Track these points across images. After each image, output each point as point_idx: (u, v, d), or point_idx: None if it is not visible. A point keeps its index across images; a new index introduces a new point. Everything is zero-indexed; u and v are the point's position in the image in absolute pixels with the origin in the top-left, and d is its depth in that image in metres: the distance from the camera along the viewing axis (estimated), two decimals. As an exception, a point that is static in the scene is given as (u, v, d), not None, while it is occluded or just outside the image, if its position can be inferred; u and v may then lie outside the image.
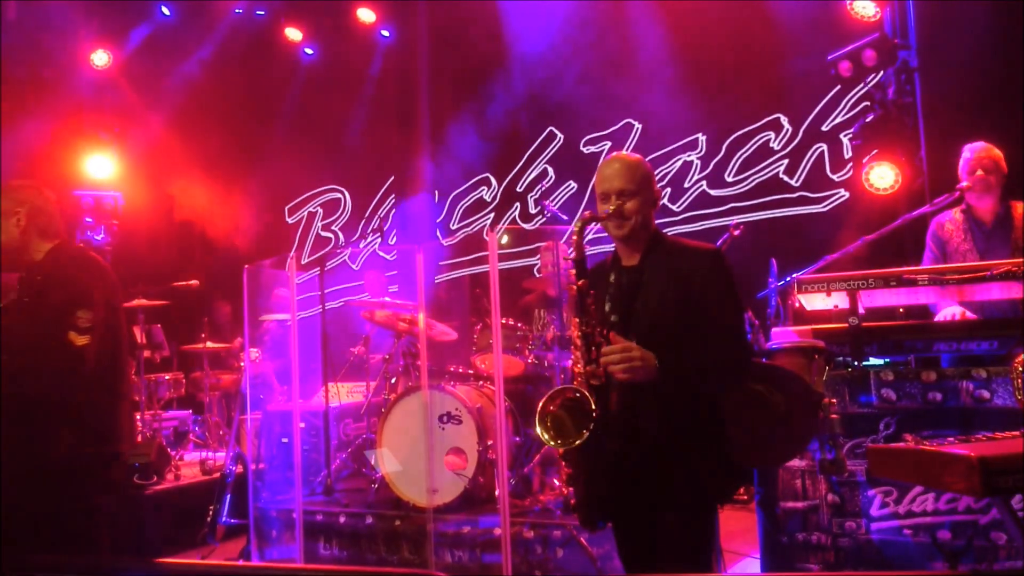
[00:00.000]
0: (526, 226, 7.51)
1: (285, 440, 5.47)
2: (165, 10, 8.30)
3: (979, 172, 3.90)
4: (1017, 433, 2.36)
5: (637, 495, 2.41)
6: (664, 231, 2.63)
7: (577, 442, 2.28)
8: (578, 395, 2.30)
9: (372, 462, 4.99)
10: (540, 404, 2.37)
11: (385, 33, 8.52)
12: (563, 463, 2.45)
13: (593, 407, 2.27)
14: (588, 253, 2.45)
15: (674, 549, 2.38)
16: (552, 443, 2.35)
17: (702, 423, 2.41)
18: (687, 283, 2.40)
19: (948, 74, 5.60)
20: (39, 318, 2.66)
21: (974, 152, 3.96)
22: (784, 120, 6.71)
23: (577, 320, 2.39)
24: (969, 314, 3.64)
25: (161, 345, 7.03)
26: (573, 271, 2.42)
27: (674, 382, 2.33)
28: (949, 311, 3.66)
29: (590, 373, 2.35)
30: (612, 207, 2.46)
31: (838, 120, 6.45)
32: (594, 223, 2.52)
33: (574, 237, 2.43)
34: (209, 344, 6.70)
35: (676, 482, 2.37)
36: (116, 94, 8.41)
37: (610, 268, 2.59)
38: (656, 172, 7.02)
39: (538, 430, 2.36)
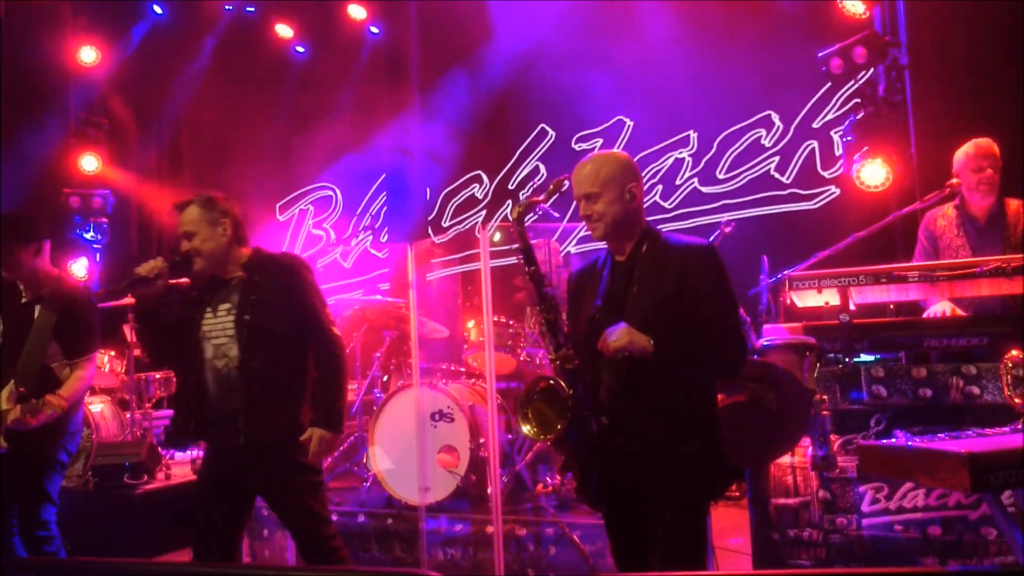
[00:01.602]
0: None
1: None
2: (157, 8, 8.23)
3: (988, 171, 3.86)
4: (1007, 429, 2.37)
5: (629, 492, 2.42)
6: (657, 227, 2.63)
7: (557, 430, 2.29)
8: (551, 383, 2.31)
9: (364, 460, 4.98)
10: (519, 399, 2.39)
11: (375, 30, 8.48)
12: (555, 451, 2.48)
13: (568, 393, 2.28)
14: (586, 249, 2.47)
15: (667, 546, 2.39)
16: (536, 435, 2.36)
17: (694, 420, 2.41)
18: (680, 278, 2.41)
19: (938, 71, 5.61)
20: (309, 319, 3.12)
21: (982, 149, 3.90)
22: (775, 117, 6.71)
23: (538, 308, 2.41)
24: (959, 311, 3.65)
25: (151, 344, 6.98)
26: (522, 260, 2.45)
27: (667, 370, 2.33)
28: (939, 307, 3.68)
29: (563, 357, 2.37)
30: (582, 212, 2.51)
31: (829, 117, 6.46)
32: (536, 209, 2.60)
33: (515, 226, 2.46)
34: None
35: (668, 479, 2.38)
36: (105, 91, 8.34)
37: (603, 264, 2.60)
38: (647, 169, 7.08)
39: (520, 425, 2.38)
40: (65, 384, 3.59)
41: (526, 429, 2.37)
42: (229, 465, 3.10)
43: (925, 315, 3.74)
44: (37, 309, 3.63)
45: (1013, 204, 3.93)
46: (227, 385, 3.05)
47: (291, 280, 3.14)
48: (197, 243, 3.09)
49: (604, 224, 2.49)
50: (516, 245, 2.49)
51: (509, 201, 7.86)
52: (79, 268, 7.73)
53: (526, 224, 2.55)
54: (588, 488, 2.45)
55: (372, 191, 8.79)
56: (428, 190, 8.43)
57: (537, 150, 7.78)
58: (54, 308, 3.61)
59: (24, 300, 3.69)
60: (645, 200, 7.63)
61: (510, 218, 2.48)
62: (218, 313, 3.12)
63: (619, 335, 2.30)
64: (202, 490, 3.19)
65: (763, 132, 6.77)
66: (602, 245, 2.66)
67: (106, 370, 6.46)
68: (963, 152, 3.96)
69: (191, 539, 3.20)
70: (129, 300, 6.36)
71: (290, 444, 3.05)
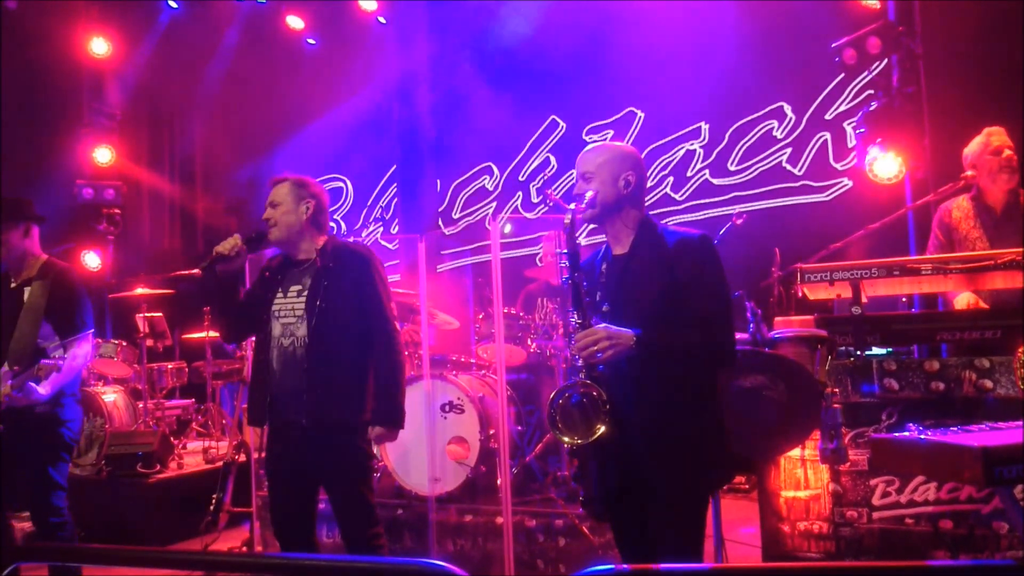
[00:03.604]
0: (528, 215, 7.50)
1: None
2: (172, 3, 8.23)
3: (1007, 152, 3.84)
4: (1020, 423, 2.35)
5: (629, 484, 2.41)
6: (662, 220, 2.63)
7: (594, 437, 2.27)
8: (594, 392, 2.28)
9: (374, 451, 5.00)
10: (550, 401, 2.36)
11: (382, 20, 8.44)
12: (573, 458, 2.45)
13: (605, 400, 2.26)
14: (596, 241, 2.46)
15: (666, 538, 2.38)
16: (567, 440, 2.33)
17: (691, 409, 2.40)
18: (673, 269, 2.40)
19: (953, 62, 5.56)
20: (374, 311, 3.18)
21: (997, 134, 3.88)
22: (788, 108, 6.68)
23: (573, 317, 2.39)
24: (981, 303, 3.61)
25: (164, 334, 7.04)
26: (566, 265, 2.43)
27: (652, 360, 2.33)
28: (962, 299, 3.64)
29: (592, 364, 2.35)
30: (576, 191, 2.54)
31: (842, 108, 6.42)
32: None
33: (564, 232, 2.45)
34: (211, 333, 6.70)
35: (666, 468, 2.37)
36: (118, 83, 8.38)
37: (601, 258, 2.60)
38: (659, 161, 7.06)
39: (551, 428, 2.36)
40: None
41: (557, 433, 2.34)
42: (291, 447, 3.12)
43: (954, 306, 3.70)
44: (27, 291, 3.63)
45: None
46: (291, 364, 3.12)
47: (363, 269, 3.22)
48: (278, 214, 3.20)
49: (594, 207, 2.50)
50: (566, 250, 2.46)
51: (520, 192, 7.86)
52: (92, 259, 7.78)
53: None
54: (599, 496, 2.44)
55: (383, 183, 8.80)
56: (438, 181, 8.43)
57: (548, 141, 7.77)
58: (43, 288, 3.61)
59: (13, 285, 3.70)
60: (656, 192, 7.57)
61: (564, 222, 2.47)
62: (288, 294, 3.19)
63: (586, 353, 2.30)
64: (272, 475, 3.22)
65: (775, 124, 6.73)
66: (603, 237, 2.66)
67: (115, 359, 6.51)
68: (978, 142, 3.92)
69: (273, 528, 3.23)
70: (142, 290, 6.42)
71: (350, 431, 3.10)
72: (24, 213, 3.74)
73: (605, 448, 2.33)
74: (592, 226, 2.58)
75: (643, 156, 2.72)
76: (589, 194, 2.48)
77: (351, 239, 8.50)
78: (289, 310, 3.16)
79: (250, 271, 4.78)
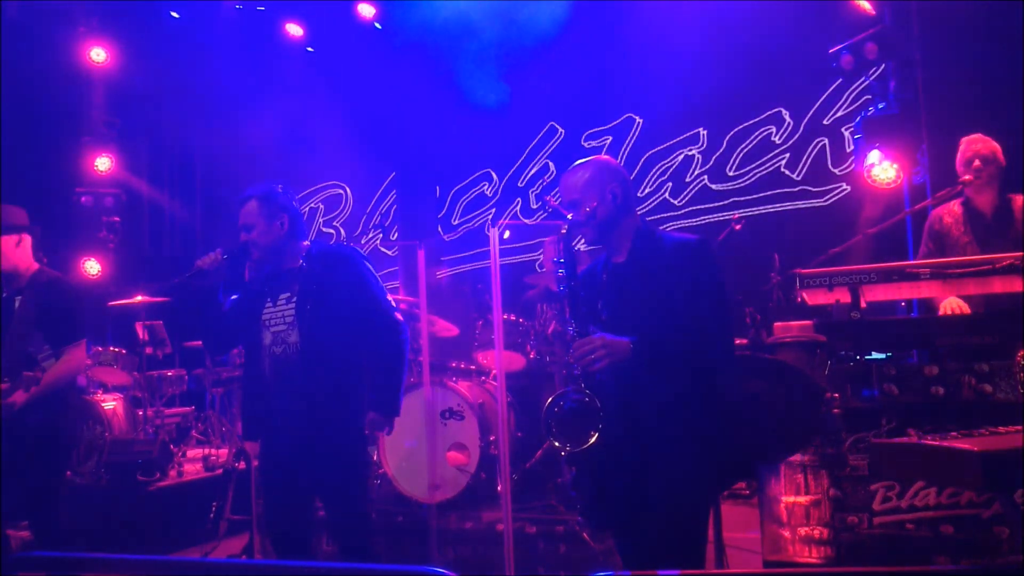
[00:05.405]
0: (528, 221, 7.51)
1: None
2: (174, 13, 8.24)
3: (976, 162, 3.89)
4: (1019, 427, 2.36)
5: (628, 491, 2.41)
6: (661, 226, 2.64)
7: (588, 444, 2.27)
8: (587, 399, 2.29)
9: (374, 458, 5.00)
10: (545, 408, 2.37)
11: (378, 26, 8.44)
12: (571, 465, 2.46)
13: (599, 406, 2.27)
14: (597, 248, 2.47)
15: (667, 545, 2.38)
16: (562, 447, 2.33)
17: (691, 415, 2.40)
18: (671, 275, 2.41)
19: (950, 67, 5.57)
20: (371, 305, 3.19)
21: (970, 143, 3.96)
22: (786, 114, 6.69)
23: (570, 327, 2.40)
24: (966, 307, 3.62)
25: (163, 341, 7.03)
26: (563, 274, 2.44)
27: (650, 367, 2.33)
28: (948, 303, 3.65)
29: (588, 372, 2.36)
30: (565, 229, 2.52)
31: (840, 114, 6.43)
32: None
33: (561, 244, 2.46)
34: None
35: (665, 478, 2.37)
36: (118, 91, 8.38)
37: (602, 266, 2.60)
38: (657, 167, 7.07)
39: (546, 434, 2.37)
40: (49, 371, 3.54)
41: (553, 440, 2.35)
42: (287, 454, 3.09)
43: (938, 313, 3.71)
44: (17, 301, 3.61)
45: (1020, 200, 3.92)
46: (285, 371, 3.09)
47: (351, 268, 3.20)
48: (255, 236, 3.18)
49: (591, 227, 2.51)
50: (563, 259, 2.47)
51: (519, 199, 7.87)
52: (92, 266, 7.78)
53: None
54: (597, 503, 2.44)
55: (382, 189, 8.82)
56: (437, 188, 8.44)
57: (547, 148, 7.78)
58: (33, 298, 3.59)
59: (4, 294, 3.67)
60: (654, 198, 7.58)
61: (561, 232, 2.48)
62: (278, 302, 3.17)
63: (585, 361, 2.31)
64: (267, 483, 3.21)
65: (773, 129, 6.74)
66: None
67: (115, 366, 6.50)
68: (959, 148, 3.98)
69: (270, 537, 3.23)
70: (142, 297, 6.42)
71: (347, 437, 3.08)
72: (18, 222, 3.70)
73: (603, 455, 2.33)
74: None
75: (641, 162, 2.74)
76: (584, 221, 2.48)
77: (342, 241, 8.52)
78: (280, 318, 3.14)
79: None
